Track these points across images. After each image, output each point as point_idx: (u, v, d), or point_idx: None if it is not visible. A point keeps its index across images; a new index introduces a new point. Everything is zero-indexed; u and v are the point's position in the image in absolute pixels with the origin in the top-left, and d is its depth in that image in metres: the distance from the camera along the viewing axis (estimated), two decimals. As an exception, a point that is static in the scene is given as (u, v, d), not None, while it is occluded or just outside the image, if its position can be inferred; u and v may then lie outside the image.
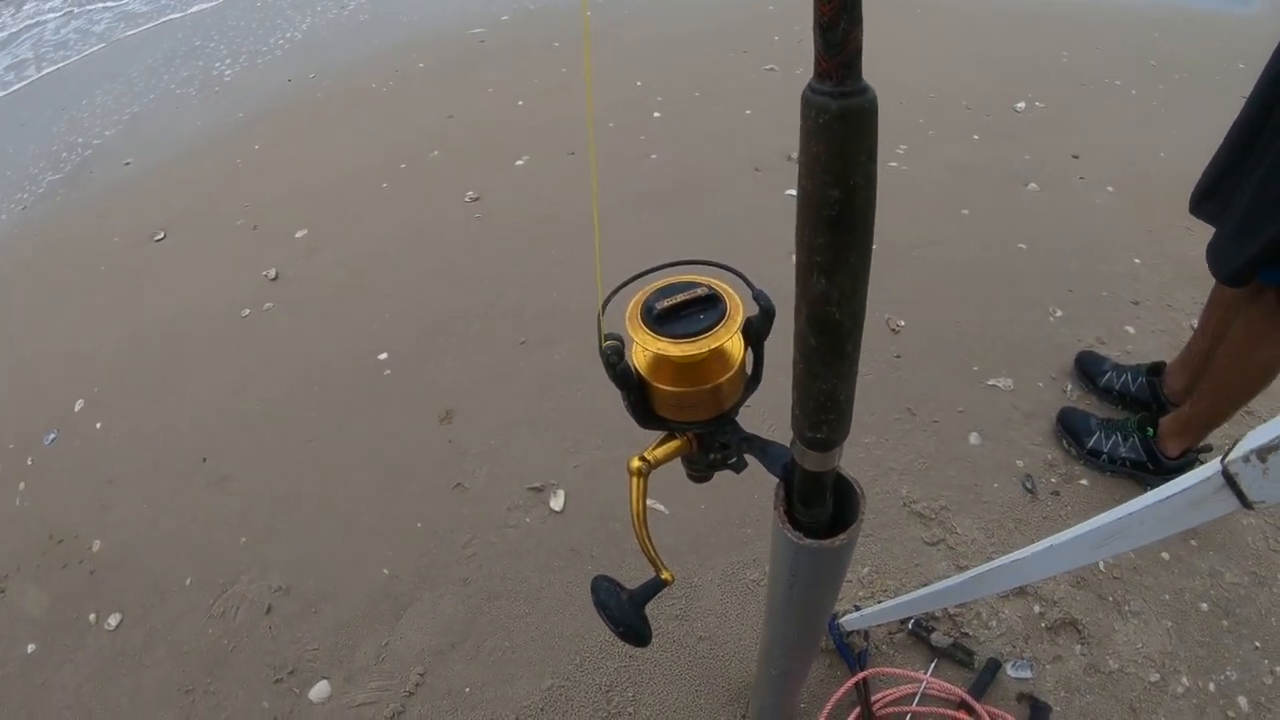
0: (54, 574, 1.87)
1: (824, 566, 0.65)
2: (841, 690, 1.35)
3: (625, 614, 0.69)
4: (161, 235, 3.03)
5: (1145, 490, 1.70)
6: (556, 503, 1.76)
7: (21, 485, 2.12)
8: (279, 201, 3.04)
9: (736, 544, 1.65)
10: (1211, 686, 1.40)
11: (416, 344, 2.25)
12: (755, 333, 0.63)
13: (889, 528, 1.64)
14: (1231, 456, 0.45)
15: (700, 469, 0.76)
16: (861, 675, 1.36)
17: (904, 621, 1.48)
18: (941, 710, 1.36)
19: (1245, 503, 0.45)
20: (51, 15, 5.85)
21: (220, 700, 1.55)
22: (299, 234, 2.80)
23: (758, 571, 1.58)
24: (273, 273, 2.63)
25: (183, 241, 2.98)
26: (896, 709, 1.37)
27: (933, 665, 1.43)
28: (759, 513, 1.70)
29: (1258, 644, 1.45)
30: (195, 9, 5.45)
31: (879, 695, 1.38)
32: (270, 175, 3.27)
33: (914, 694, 1.38)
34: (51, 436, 2.23)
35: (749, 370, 0.69)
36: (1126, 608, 1.51)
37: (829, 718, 1.33)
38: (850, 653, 1.41)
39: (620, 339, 0.61)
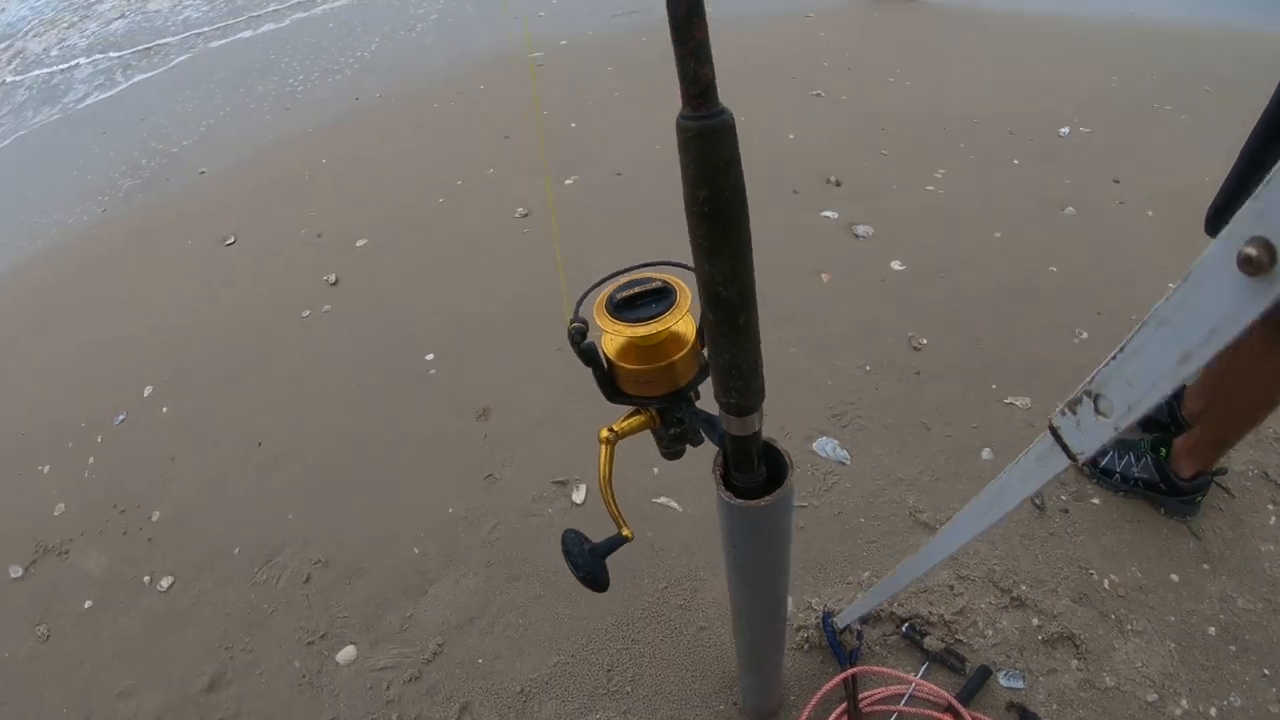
0: (115, 539, 2.07)
1: (757, 526, 0.74)
2: (829, 685, 1.40)
3: (587, 561, 0.80)
4: (231, 240, 3.27)
5: (1159, 511, 1.71)
6: (578, 495, 1.87)
7: (91, 460, 2.33)
8: (342, 212, 3.25)
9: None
10: (1213, 711, 1.38)
11: (461, 346, 2.40)
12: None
13: (893, 535, 1.68)
14: (1054, 413, 0.52)
15: (666, 443, 0.87)
16: (850, 672, 1.42)
17: (899, 625, 1.53)
18: (927, 712, 1.39)
19: (1070, 455, 0.51)
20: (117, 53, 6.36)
21: (256, 658, 1.70)
22: (359, 243, 3.00)
23: (759, 568, 1.66)
24: (333, 278, 2.82)
25: (251, 246, 3.21)
26: (884, 707, 1.41)
27: (924, 668, 1.46)
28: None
29: (1266, 671, 1.43)
30: (266, 28, 5.84)
31: (867, 693, 1.42)
32: (335, 187, 3.49)
33: (902, 694, 1.42)
34: (121, 418, 2.46)
35: (704, 353, 0.79)
36: (1129, 626, 1.51)
37: (815, 709, 1.39)
38: (842, 650, 1.46)
39: (585, 322, 0.73)
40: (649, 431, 0.85)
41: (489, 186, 3.22)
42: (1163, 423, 1.79)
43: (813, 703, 1.38)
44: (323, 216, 3.25)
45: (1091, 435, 0.49)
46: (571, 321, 0.73)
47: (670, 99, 0.47)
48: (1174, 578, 1.57)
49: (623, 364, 0.75)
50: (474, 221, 3.02)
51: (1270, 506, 1.68)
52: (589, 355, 0.73)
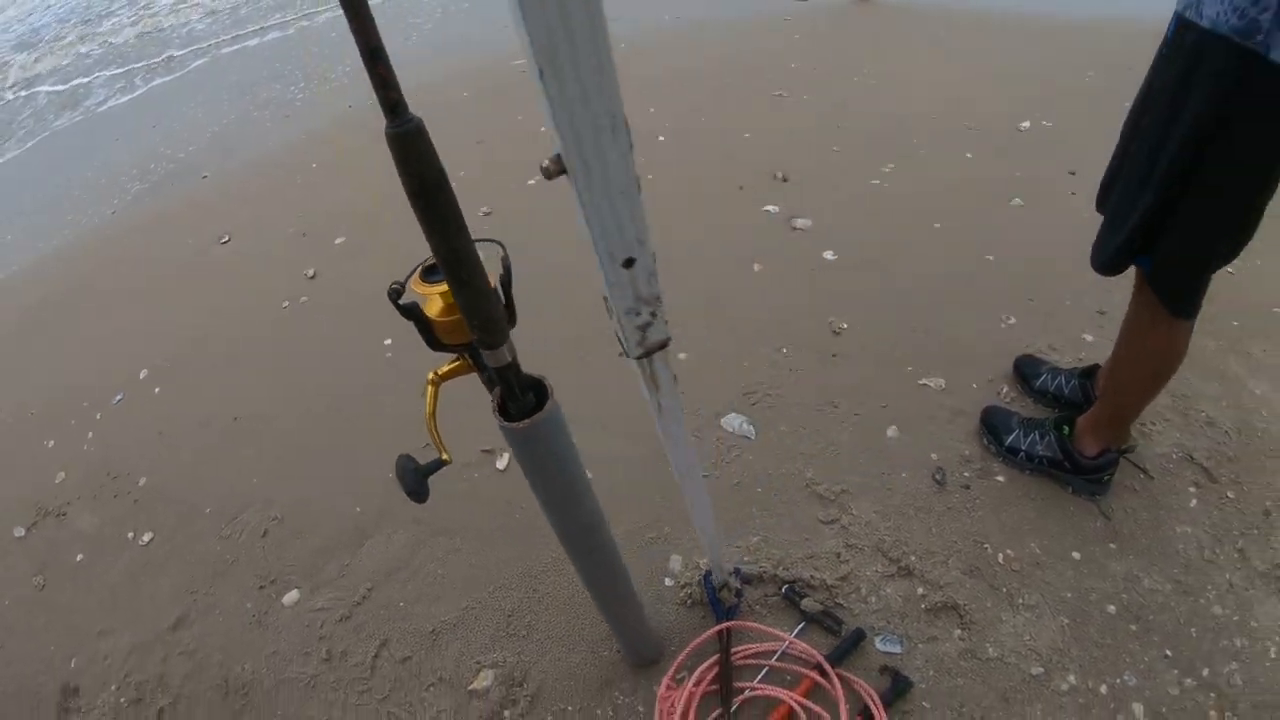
0: (107, 501, 2.29)
1: (524, 447, 0.87)
2: (702, 637, 1.48)
3: (412, 478, 0.95)
4: (226, 239, 3.52)
5: (1064, 489, 1.71)
6: (501, 463, 2.01)
7: (90, 434, 2.58)
8: (326, 213, 3.46)
9: (640, 506, 1.82)
10: (1103, 689, 1.38)
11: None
12: (504, 280, 0.87)
13: (786, 505, 1.76)
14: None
15: (489, 386, 0.99)
16: (723, 625, 1.49)
17: (780, 586, 1.60)
18: (796, 668, 1.45)
19: (625, 352, 0.60)
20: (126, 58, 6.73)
21: (215, 600, 1.90)
22: (338, 240, 3.22)
23: (655, 532, 1.77)
24: (311, 272, 3.04)
25: (243, 245, 3.46)
26: (756, 662, 1.48)
27: (799, 628, 1.52)
28: (660, 479, 1.85)
29: (1168, 653, 1.41)
30: (272, 36, 6.16)
31: (741, 648, 1.49)
32: (322, 190, 3.73)
33: (774, 651, 1.48)
34: (119, 398, 2.70)
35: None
36: (1019, 600, 1.52)
37: (689, 658, 1.47)
38: (720, 606, 1.55)
39: (402, 284, 0.88)
40: (475, 376, 0.98)
41: (458, 187, 3.35)
42: (1077, 404, 1.80)
43: (685, 653, 1.47)
44: (308, 217, 3.48)
45: (618, 334, 0.58)
46: (391, 285, 0.87)
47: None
48: (1075, 555, 1.58)
49: (437, 319, 0.88)
50: (442, 220, 3.18)
51: (1192, 489, 1.67)
52: (407, 311, 0.87)
